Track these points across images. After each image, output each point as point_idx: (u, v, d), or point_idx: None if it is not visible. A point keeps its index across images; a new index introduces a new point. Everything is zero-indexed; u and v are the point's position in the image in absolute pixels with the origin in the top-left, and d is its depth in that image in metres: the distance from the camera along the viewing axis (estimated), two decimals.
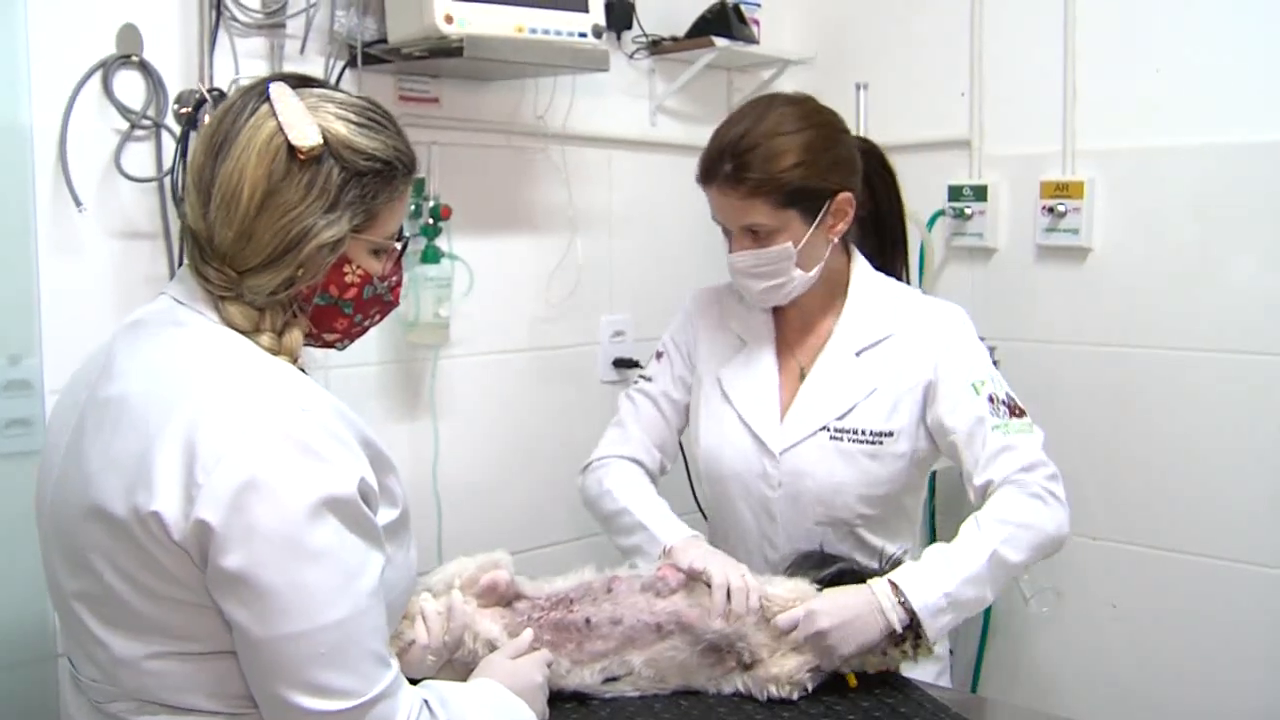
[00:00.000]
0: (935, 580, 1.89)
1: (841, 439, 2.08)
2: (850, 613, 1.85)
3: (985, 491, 2.03)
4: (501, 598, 1.88)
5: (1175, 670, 2.75)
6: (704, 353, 2.26)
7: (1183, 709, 2.75)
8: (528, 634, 1.80)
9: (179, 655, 1.37)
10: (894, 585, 1.87)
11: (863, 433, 2.08)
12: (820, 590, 1.89)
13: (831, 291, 2.15)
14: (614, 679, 1.85)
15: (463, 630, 1.79)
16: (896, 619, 1.85)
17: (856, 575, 1.94)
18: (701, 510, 2.44)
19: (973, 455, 2.04)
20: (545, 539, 2.79)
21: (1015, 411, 2.06)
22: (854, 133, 2.94)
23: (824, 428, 2.09)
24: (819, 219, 2.03)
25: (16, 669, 1.96)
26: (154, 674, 1.37)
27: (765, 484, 2.13)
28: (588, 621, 1.86)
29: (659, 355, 2.33)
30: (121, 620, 1.38)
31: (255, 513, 1.30)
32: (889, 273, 2.23)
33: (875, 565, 2.02)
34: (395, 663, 1.42)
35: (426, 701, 1.45)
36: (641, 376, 2.34)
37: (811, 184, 2.01)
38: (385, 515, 1.45)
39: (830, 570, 1.94)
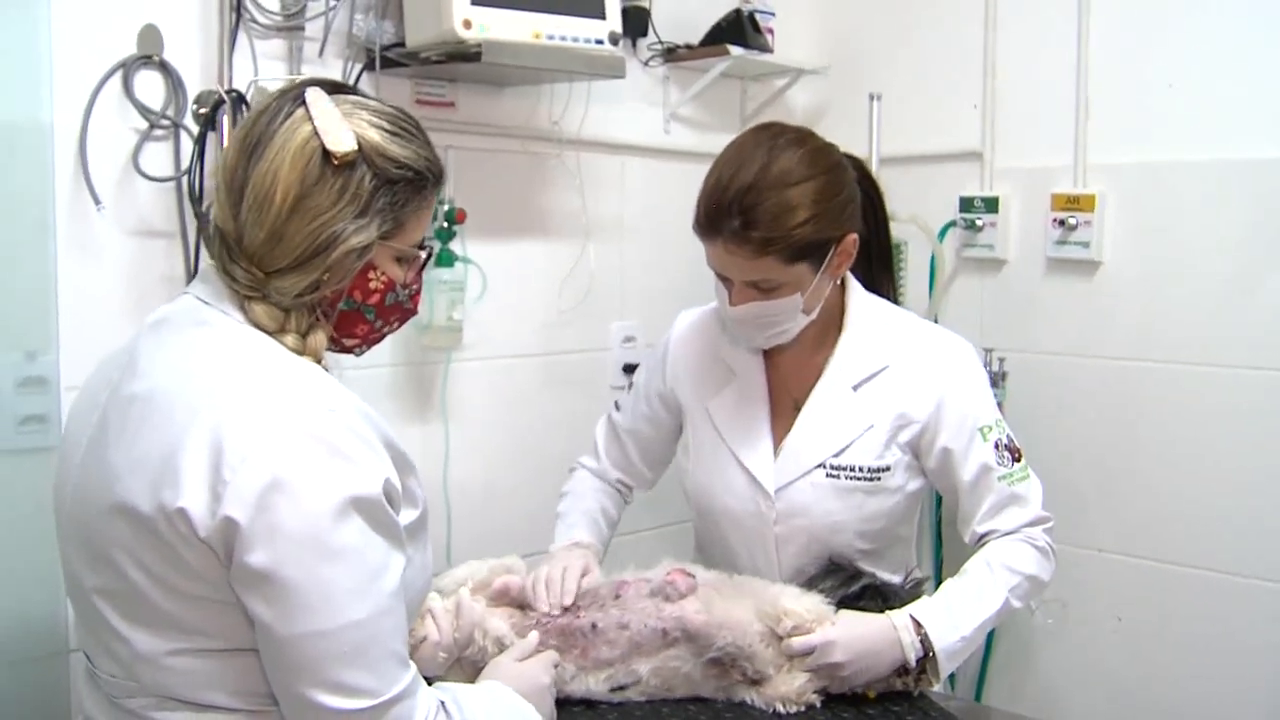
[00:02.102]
0: (956, 622, 1.89)
1: (838, 476, 2.03)
2: (868, 645, 1.84)
3: (984, 538, 2.03)
4: (514, 601, 1.90)
5: (1179, 683, 2.76)
6: (690, 385, 2.19)
7: None
8: (534, 636, 1.81)
9: (200, 652, 1.38)
10: (916, 621, 1.86)
11: (860, 470, 2.02)
12: (837, 610, 1.88)
13: (826, 322, 2.06)
14: (621, 688, 1.86)
15: (472, 628, 1.80)
16: (913, 656, 1.85)
17: (880, 593, 1.94)
18: None
19: (975, 502, 2.02)
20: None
21: (1016, 456, 2.04)
22: (866, 142, 2.98)
23: (820, 465, 2.04)
24: (826, 264, 1.94)
25: (28, 664, 1.97)
26: (175, 670, 1.38)
27: (760, 522, 2.08)
28: (594, 626, 1.87)
29: (631, 384, 2.33)
30: (143, 616, 1.38)
31: (281, 512, 1.31)
32: (875, 289, 2.16)
33: (899, 579, 2.03)
34: (414, 665, 1.43)
35: (443, 703, 1.46)
36: (615, 403, 2.35)
37: (822, 236, 1.90)
38: (406, 516, 1.46)
39: (855, 588, 1.94)
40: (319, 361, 1.48)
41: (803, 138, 1.97)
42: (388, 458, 1.42)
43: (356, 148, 1.43)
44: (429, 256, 1.59)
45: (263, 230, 1.42)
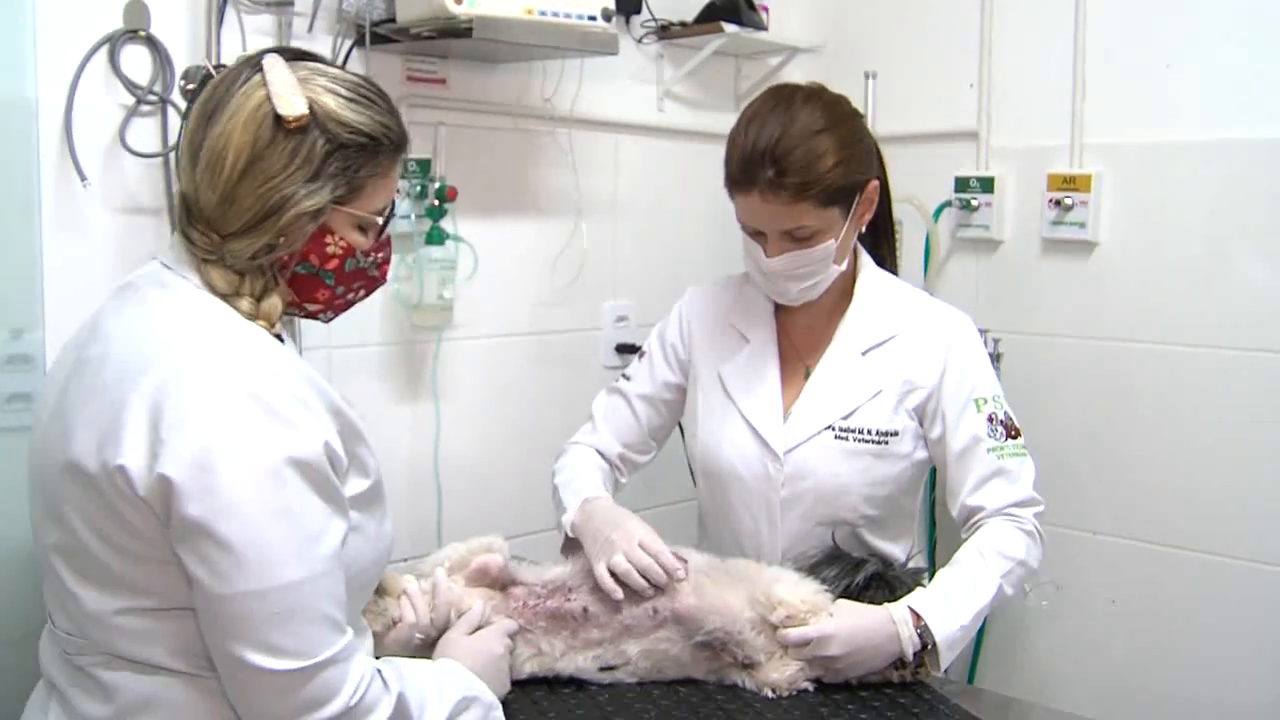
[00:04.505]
0: (954, 612, 1.88)
1: (847, 438, 2.06)
2: (865, 641, 1.83)
3: (972, 514, 2.04)
4: (495, 582, 1.88)
5: (1173, 665, 2.76)
6: (703, 350, 2.23)
7: (1180, 704, 2.75)
8: (477, 605, 1.81)
9: (145, 611, 1.41)
10: (915, 614, 1.85)
11: (868, 432, 2.06)
12: (834, 599, 1.87)
13: (838, 289, 2.11)
14: (610, 668, 1.85)
15: (449, 608, 1.80)
16: (911, 650, 1.84)
17: (886, 583, 1.92)
18: None
19: (961, 473, 2.05)
20: (546, 523, 2.75)
21: (1012, 433, 2.06)
22: None
23: (829, 427, 2.07)
24: (853, 210, 2.01)
25: (15, 644, 1.96)
26: (121, 630, 1.41)
27: (766, 485, 2.10)
28: (585, 610, 1.86)
29: (641, 354, 2.33)
30: (92, 574, 1.42)
31: (217, 470, 1.33)
32: (879, 261, 2.21)
33: (899, 552, 2.05)
34: (350, 631, 1.44)
35: (380, 671, 1.47)
36: (623, 375, 2.34)
37: (850, 180, 1.98)
38: (357, 485, 1.49)
39: (860, 578, 1.92)
40: (273, 325, 1.52)
41: (817, 92, 2.04)
42: (331, 424, 1.44)
43: (307, 112, 1.46)
44: (386, 222, 1.60)
45: (215, 192, 1.45)
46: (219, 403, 1.35)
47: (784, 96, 2.02)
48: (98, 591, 1.42)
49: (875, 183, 2.05)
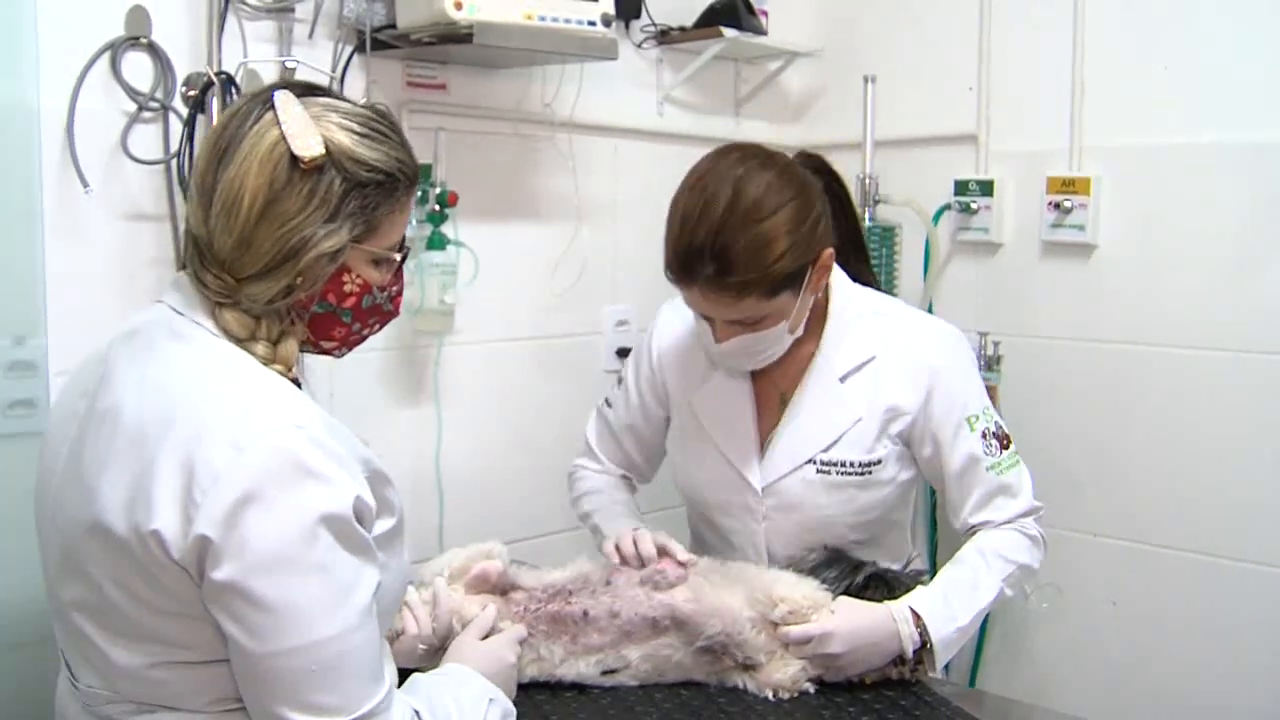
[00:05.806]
0: (953, 613, 1.89)
1: (829, 472, 2.01)
2: (866, 639, 1.83)
3: (975, 529, 2.03)
4: (495, 588, 1.88)
5: (1174, 668, 2.75)
6: (675, 378, 2.17)
7: (1181, 705, 2.75)
8: (490, 609, 1.80)
9: (181, 664, 1.38)
10: (914, 613, 1.86)
11: (850, 465, 2.01)
12: (834, 597, 1.87)
13: (811, 315, 2.01)
14: (611, 671, 1.85)
15: (451, 616, 1.79)
16: (911, 648, 1.84)
17: (885, 582, 1.93)
18: None
19: (963, 493, 2.02)
20: (547, 527, 2.79)
21: (1004, 443, 2.03)
22: (860, 125, 2.96)
23: (810, 460, 2.02)
24: (805, 285, 1.90)
25: (18, 650, 1.96)
26: (156, 681, 1.38)
27: (749, 516, 2.07)
28: (585, 614, 1.86)
29: (620, 380, 2.30)
30: (122, 630, 1.38)
31: (250, 528, 1.30)
32: (857, 278, 2.12)
33: (898, 566, 2.03)
34: (389, 676, 1.43)
35: (418, 713, 1.46)
36: (605, 400, 2.32)
37: (799, 264, 1.85)
38: (383, 525, 1.46)
39: (859, 579, 1.92)
40: (290, 369, 1.47)
41: (766, 160, 1.89)
42: (360, 472, 1.41)
43: (324, 151, 1.41)
44: (404, 258, 1.57)
45: (232, 236, 1.41)
46: (250, 461, 1.31)
47: (727, 167, 1.86)
48: (129, 647, 1.38)
49: (829, 251, 1.91)
